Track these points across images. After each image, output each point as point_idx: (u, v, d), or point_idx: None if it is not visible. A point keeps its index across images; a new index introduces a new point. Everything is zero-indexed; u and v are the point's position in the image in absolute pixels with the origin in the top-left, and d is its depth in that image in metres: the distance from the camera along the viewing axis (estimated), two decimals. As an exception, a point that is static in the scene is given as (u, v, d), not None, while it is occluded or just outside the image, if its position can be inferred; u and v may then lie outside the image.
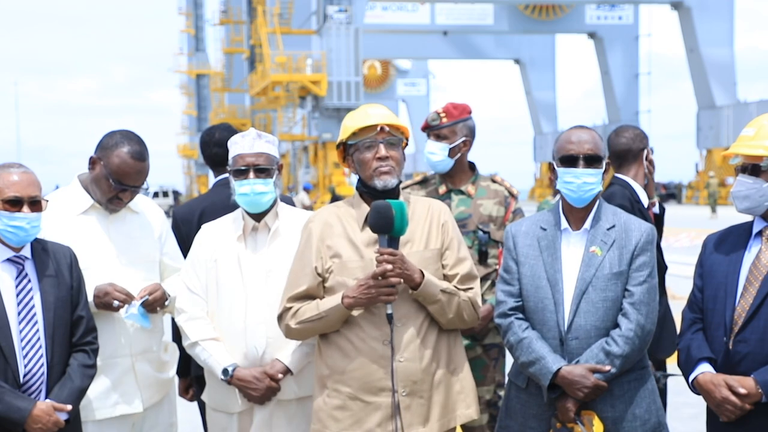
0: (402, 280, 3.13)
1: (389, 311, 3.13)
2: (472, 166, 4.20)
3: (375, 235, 3.20)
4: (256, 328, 3.51)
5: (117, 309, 3.52)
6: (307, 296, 3.26)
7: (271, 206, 3.61)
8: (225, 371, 3.49)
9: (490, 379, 4.01)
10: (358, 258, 3.24)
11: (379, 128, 3.26)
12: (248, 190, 3.52)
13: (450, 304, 3.24)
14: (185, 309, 3.60)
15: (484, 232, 4.02)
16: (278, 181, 3.62)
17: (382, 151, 3.25)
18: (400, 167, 3.29)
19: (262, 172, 3.53)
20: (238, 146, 3.58)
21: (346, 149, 3.35)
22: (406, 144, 3.38)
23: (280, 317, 3.30)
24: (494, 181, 4.16)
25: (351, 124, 3.30)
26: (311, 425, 3.35)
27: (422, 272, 3.18)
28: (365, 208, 3.28)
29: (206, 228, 3.72)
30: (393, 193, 3.27)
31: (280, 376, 3.48)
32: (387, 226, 3.10)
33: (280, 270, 3.51)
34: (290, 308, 3.26)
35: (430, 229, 3.32)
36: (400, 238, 3.18)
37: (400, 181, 3.34)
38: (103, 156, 3.57)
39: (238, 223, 3.63)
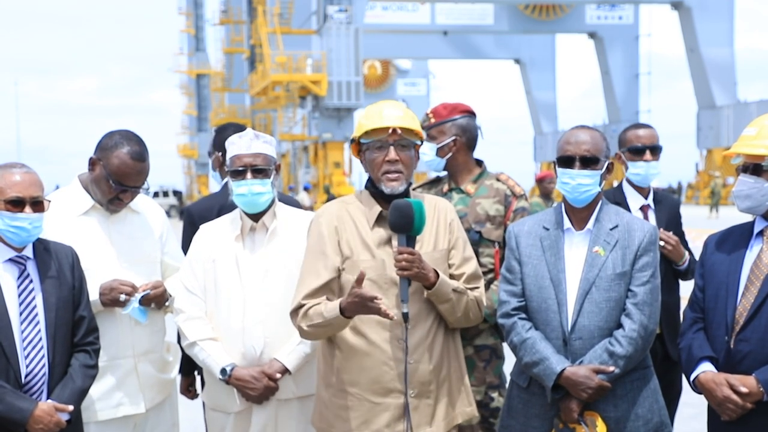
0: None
1: (405, 310, 3.11)
2: (480, 164, 4.20)
3: (385, 235, 3.22)
4: (254, 328, 3.52)
5: (124, 303, 3.52)
6: (322, 289, 3.23)
7: (269, 206, 3.61)
8: (223, 371, 3.50)
9: (480, 380, 4.00)
10: (369, 257, 3.23)
11: (391, 130, 3.25)
12: (246, 191, 3.52)
13: (460, 304, 3.25)
14: (183, 309, 3.60)
15: (476, 232, 4.02)
16: (276, 182, 3.62)
17: (392, 154, 3.24)
18: (410, 170, 3.30)
19: (260, 172, 3.53)
20: (235, 147, 3.57)
21: (360, 145, 3.34)
22: (420, 145, 3.38)
23: (294, 314, 3.26)
24: (499, 180, 4.15)
25: (365, 122, 3.30)
26: (316, 423, 3.35)
27: (436, 271, 3.18)
28: (377, 208, 3.28)
29: (204, 228, 3.72)
30: (403, 195, 3.26)
31: (279, 375, 3.48)
32: (407, 226, 3.11)
33: (278, 270, 3.52)
34: (303, 306, 3.22)
35: (438, 229, 3.32)
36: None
37: (410, 183, 3.34)
38: (103, 157, 3.56)
39: (236, 224, 3.63)
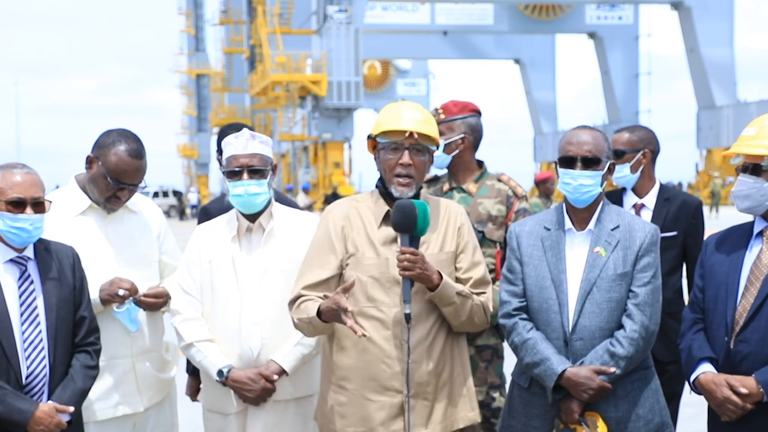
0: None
1: (407, 311, 3.11)
2: (480, 165, 4.21)
3: (391, 234, 3.22)
4: (251, 329, 3.51)
5: (123, 298, 3.52)
6: (322, 285, 3.25)
7: (266, 207, 3.61)
8: (220, 372, 3.49)
9: (482, 381, 4.00)
10: (374, 255, 3.24)
11: (408, 133, 3.23)
12: (242, 191, 3.51)
13: (464, 307, 3.23)
14: (180, 310, 3.60)
15: (479, 232, 4.02)
16: (272, 182, 3.62)
17: (406, 158, 3.23)
18: (422, 175, 3.29)
19: (256, 173, 3.52)
20: (231, 147, 3.56)
21: (376, 143, 3.31)
22: (435, 150, 3.35)
23: (291, 303, 3.29)
24: (500, 180, 4.16)
25: (383, 122, 3.27)
26: (318, 418, 3.36)
27: (440, 274, 3.17)
28: (384, 207, 3.28)
29: (201, 229, 3.72)
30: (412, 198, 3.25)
31: (275, 377, 3.47)
32: (410, 226, 3.11)
33: (275, 270, 3.52)
34: (301, 297, 3.25)
35: (446, 231, 3.31)
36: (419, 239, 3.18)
37: (421, 187, 3.33)
38: (100, 155, 3.56)
39: (232, 224, 3.62)
